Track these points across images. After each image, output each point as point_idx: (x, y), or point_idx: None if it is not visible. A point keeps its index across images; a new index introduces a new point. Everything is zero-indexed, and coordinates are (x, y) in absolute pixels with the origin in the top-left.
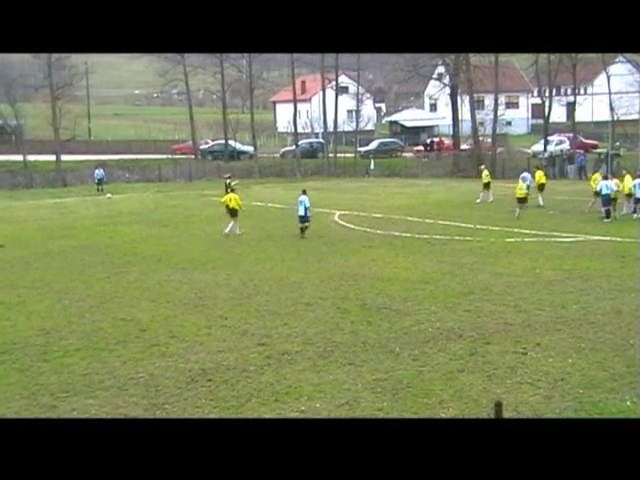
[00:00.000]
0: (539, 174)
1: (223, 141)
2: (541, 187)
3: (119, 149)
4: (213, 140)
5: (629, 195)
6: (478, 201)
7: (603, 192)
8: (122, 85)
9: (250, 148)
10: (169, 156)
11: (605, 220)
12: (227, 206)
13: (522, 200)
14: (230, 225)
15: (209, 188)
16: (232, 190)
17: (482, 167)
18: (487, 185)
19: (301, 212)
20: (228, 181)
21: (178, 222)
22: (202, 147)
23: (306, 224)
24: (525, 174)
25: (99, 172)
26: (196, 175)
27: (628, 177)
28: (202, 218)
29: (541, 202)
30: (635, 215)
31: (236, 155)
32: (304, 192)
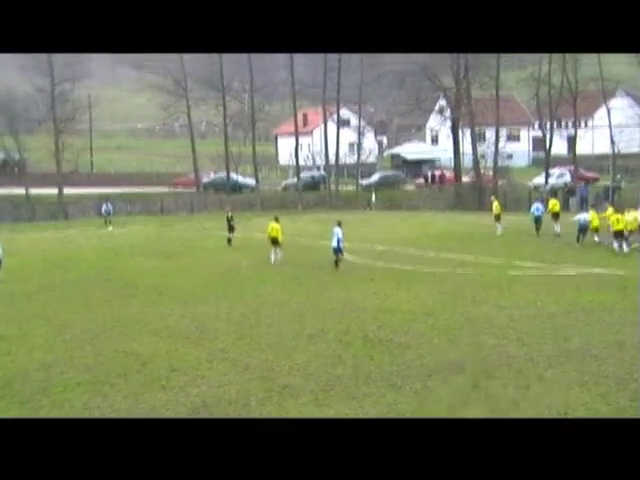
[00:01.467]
0: (553, 202)
1: (225, 174)
2: (555, 216)
3: (121, 182)
4: (215, 173)
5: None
6: (498, 233)
7: (581, 222)
8: (125, 119)
9: (252, 181)
10: (171, 189)
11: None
12: (270, 236)
13: (619, 234)
14: (274, 254)
15: (211, 221)
16: (276, 219)
17: (492, 198)
18: (497, 217)
19: (334, 244)
20: (230, 214)
21: (180, 254)
22: (204, 180)
23: (340, 256)
24: (538, 204)
25: (106, 206)
26: (198, 208)
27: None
28: (204, 250)
29: (558, 230)
30: (638, 244)
31: (238, 188)
32: (339, 224)
